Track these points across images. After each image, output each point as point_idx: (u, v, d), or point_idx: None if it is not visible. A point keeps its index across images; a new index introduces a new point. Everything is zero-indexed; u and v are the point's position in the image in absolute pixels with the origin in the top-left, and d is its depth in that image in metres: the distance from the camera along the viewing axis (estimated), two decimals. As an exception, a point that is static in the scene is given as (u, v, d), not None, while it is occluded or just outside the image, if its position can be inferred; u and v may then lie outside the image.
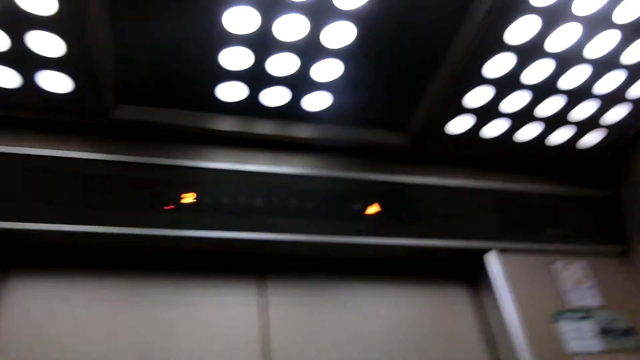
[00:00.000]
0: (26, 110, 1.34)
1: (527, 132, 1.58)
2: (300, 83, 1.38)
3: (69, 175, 1.31)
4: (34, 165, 1.30)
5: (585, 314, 1.45)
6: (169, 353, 1.30)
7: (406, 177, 1.59)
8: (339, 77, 1.37)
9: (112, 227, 1.28)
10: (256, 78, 1.35)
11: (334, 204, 1.47)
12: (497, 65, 1.32)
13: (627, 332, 1.44)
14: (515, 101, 1.45)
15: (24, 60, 1.19)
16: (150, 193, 1.35)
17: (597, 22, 1.26)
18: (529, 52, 1.30)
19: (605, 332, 1.43)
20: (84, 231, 1.26)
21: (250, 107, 1.47)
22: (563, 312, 1.45)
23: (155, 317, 1.35)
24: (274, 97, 1.42)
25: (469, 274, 1.64)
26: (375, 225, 1.47)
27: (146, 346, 1.29)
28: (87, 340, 1.27)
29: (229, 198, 1.39)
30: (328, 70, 1.34)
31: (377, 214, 1.49)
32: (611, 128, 1.61)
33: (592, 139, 1.63)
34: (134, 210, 1.31)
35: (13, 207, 1.23)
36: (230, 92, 1.40)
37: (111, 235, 1.28)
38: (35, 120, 1.36)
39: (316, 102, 1.46)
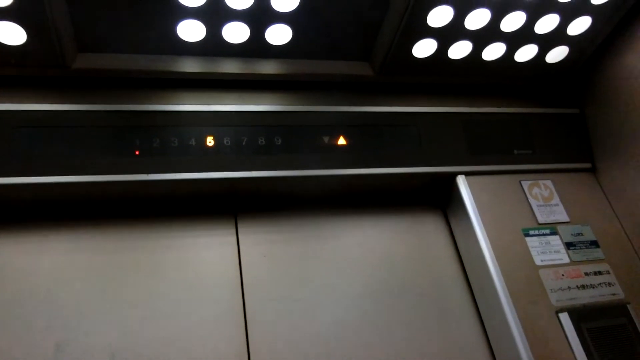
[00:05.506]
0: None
1: (493, 51, 1.55)
2: (259, 15, 1.35)
3: (35, 128, 1.31)
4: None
5: (552, 229, 1.50)
6: (151, 296, 1.34)
7: (373, 107, 1.58)
8: (297, 7, 1.34)
9: (83, 176, 1.29)
10: (215, 13, 1.32)
11: (303, 139, 1.48)
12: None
13: (592, 244, 1.50)
14: (477, 18, 1.41)
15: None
16: (120, 140, 1.35)
17: None
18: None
19: (571, 245, 1.48)
20: (54, 182, 1.27)
21: (213, 46, 1.45)
22: (531, 228, 1.49)
23: (135, 262, 1.39)
24: (236, 32, 1.40)
25: (442, 200, 1.68)
26: (345, 157, 1.48)
27: (129, 291, 1.34)
28: (67, 291, 1.30)
29: (197, 140, 1.41)
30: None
31: (346, 145, 1.50)
32: (574, 43, 1.57)
33: (556, 55, 1.60)
34: (103, 158, 1.32)
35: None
36: (191, 30, 1.38)
37: (83, 184, 1.30)
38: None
39: (278, 35, 1.43)
